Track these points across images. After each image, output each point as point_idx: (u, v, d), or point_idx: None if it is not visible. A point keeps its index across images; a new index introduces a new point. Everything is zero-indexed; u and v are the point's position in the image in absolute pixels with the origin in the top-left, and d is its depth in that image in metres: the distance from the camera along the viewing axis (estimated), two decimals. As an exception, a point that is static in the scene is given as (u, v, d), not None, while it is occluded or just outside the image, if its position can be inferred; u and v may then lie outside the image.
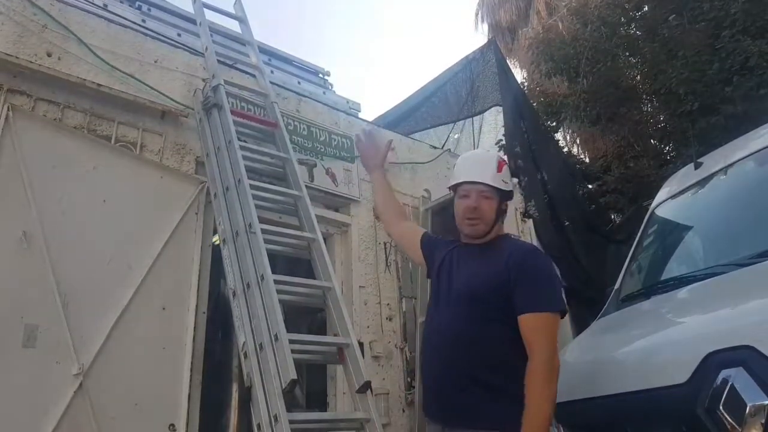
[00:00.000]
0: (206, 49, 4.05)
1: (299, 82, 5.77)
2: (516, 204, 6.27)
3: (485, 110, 6.72)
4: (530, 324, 1.96)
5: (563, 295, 2.11)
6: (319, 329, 4.57)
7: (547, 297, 2.01)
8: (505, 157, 2.75)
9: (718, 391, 1.67)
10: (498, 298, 2.02)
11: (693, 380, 1.75)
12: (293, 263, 3.88)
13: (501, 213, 2.23)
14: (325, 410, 4.29)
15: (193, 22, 4.50)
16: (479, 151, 2.36)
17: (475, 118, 6.97)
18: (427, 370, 2.23)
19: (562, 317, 2.03)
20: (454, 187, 2.27)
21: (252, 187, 3.29)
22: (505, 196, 2.24)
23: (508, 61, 8.08)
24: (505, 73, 6.68)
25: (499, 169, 2.21)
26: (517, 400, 1.89)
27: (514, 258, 2.08)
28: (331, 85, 6.32)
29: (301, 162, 4.19)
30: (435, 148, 6.10)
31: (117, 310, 3.22)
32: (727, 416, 1.63)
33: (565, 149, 9.37)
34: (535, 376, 1.89)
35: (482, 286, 2.07)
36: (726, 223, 2.95)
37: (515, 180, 6.23)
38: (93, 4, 4.25)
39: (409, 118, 7.06)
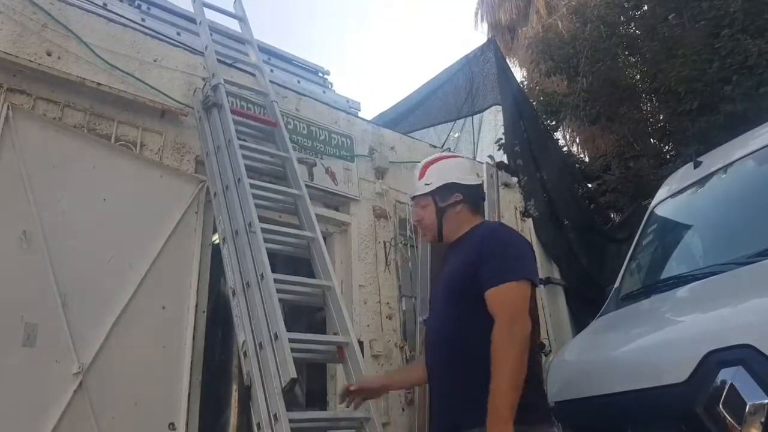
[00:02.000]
0: (206, 48, 4.04)
1: (299, 81, 5.76)
2: (516, 203, 6.27)
3: (484, 109, 6.72)
4: (491, 298, 1.92)
5: (532, 264, 2.06)
6: (319, 328, 4.56)
7: (510, 268, 1.95)
8: (458, 156, 2.54)
9: (718, 390, 1.67)
10: (469, 287, 2.00)
11: (692, 379, 1.75)
12: (293, 262, 3.88)
13: (443, 210, 2.22)
14: (325, 409, 4.29)
15: (192, 21, 4.49)
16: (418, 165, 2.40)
17: (474, 117, 6.97)
18: (430, 376, 2.20)
19: (535, 286, 1.98)
20: None
21: (252, 186, 3.29)
22: (442, 192, 2.22)
23: (507, 61, 8.10)
24: (505, 72, 6.69)
25: (421, 175, 2.28)
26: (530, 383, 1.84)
27: (479, 238, 2.10)
28: (331, 84, 6.32)
29: (300, 161, 4.19)
30: (435, 147, 6.09)
31: (117, 309, 3.22)
32: (726, 415, 1.63)
33: (565, 148, 9.39)
34: (495, 343, 1.84)
35: (458, 281, 2.06)
36: (725, 222, 2.96)
37: (515, 179, 6.24)
38: (92, 3, 4.24)
39: (408, 116, 7.06)
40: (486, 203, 5.12)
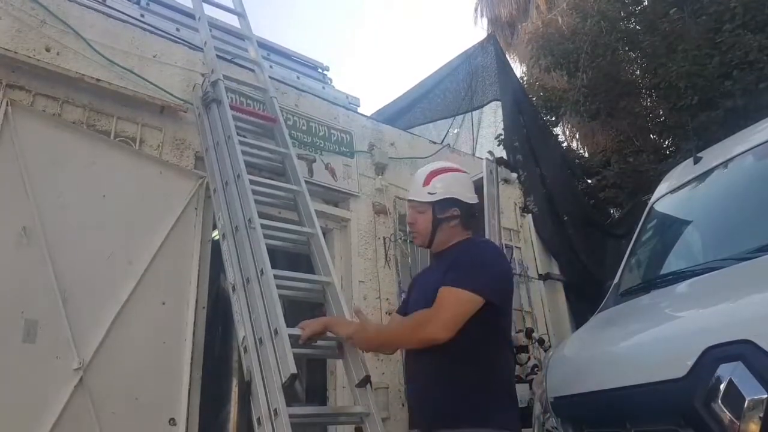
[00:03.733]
0: (205, 43, 4.03)
1: (298, 77, 5.75)
2: (515, 199, 6.28)
3: (484, 105, 6.72)
4: (442, 294, 2.03)
5: (496, 283, 2.11)
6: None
7: (470, 277, 2.03)
8: (443, 164, 2.56)
9: (717, 386, 1.67)
10: None
11: (691, 374, 1.76)
12: (293, 258, 3.88)
13: (440, 221, 2.27)
14: (325, 404, 4.30)
15: (191, 16, 4.48)
16: (422, 168, 2.44)
17: (474, 113, 6.97)
18: (406, 379, 2.35)
19: (488, 302, 2.02)
20: None
21: (251, 182, 3.28)
22: (442, 204, 2.28)
23: (507, 56, 8.09)
24: (505, 68, 6.68)
25: (426, 182, 2.31)
26: (496, 394, 2.01)
27: (457, 251, 2.21)
28: (330, 80, 6.30)
29: (300, 157, 4.18)
30: (435, 143, 6.09)
31: (117, 305, 3.23)
32: (725, 410, 1.64)
33: (565, 144, 9.39)
34: (411, 320, 2.08)
35: (433, 293, 2.10)
36: (725, 217, 2.95)
37: (514, 175, 6.25)
38: (91, -2, 4.23)
39: (408, 112, 7.06)
40: (486, 199, 5.14)
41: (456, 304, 2.00)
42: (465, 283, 2.01)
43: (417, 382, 2.19)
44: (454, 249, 2.26)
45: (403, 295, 4.80)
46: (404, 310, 2.45)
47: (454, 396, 2.02)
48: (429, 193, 2.30)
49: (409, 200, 2.37)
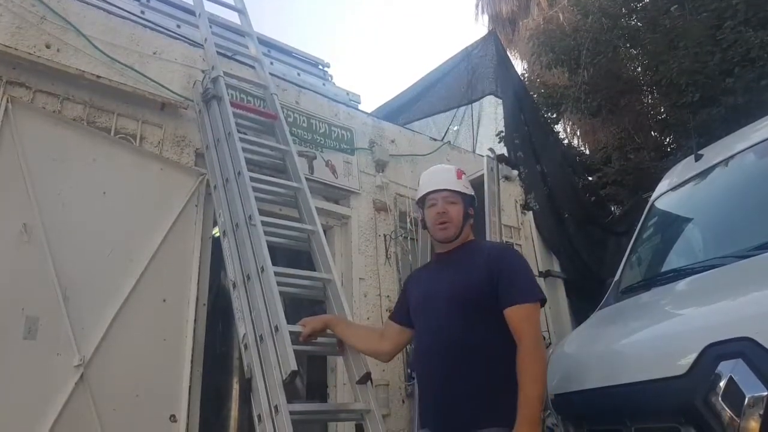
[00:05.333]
0: (206, 40, 4.03)
1: (299, 74, 5.74)
2: (516, 196, 6.27)
3: (483, 97, 6.71)
4: (517, 315, 2.09)
5: (539, 288, 2.25)
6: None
7: (529, 289, 2.16)
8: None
9: (717, 383, 1.67)
10: (481, 296, 2.14)
11: (692, 372, 1.76)
12: (293, 255, 3.88)
13: (467, 217, 2.38)
14: (326, 401, 4.31)
15: (192, 13, 4.47)
16: (439, 165, 2.62)
17: (474, 110, 6.96)
18: (424, 382, 2.30)
19: (542, 306, 2.20)
20: (422, 200, 2.43)
21: (252, 179, 3.28)
22: (469, 201, 2.40)
23: (508, 53, 8.06)
24: (506, 65, 6.67)
25: (458, 176, 2.42)
26: (511, 390, 1.99)
27: (492, 256, 2.24)
28: (331, 76, 6.30)
29: (300, 154, 4.19)
30: (435, 140, 6.09)
31: (117, 302, 3.23)
32: (726, 407, 1.64)
33: (566, 141, 9.37)
34: (525, 361, 2.02)
35: (465, 289, 2.18)
36: (726, 215, 2.95)
37: (515, 172, 6.24)
38: (91, -5, 4.22)
39: (408, 109, 7.05)
40: (486, 196, 5.14)
41: (537, 320, 2.13)
42: (529, 296, 2.13)
43: (449, 383, 2.13)
44: (469, 248, 2.33)
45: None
46: (403, 309, 2.45)
47: (492, 396, 2.04)
48: (465, 186, 2.40)
49: (443, 189, 2.36)
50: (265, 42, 5.42)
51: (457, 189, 2.36)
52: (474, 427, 2.01)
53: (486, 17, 13.68)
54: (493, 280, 2.14)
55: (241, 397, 4.65)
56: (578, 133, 10.48)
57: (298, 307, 4.65)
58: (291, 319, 2.71)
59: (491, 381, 2.06)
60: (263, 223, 3.08)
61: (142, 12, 4.61)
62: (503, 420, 1.97)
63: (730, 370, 1.66)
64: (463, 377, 2.08)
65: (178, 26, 4.74)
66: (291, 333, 2.60)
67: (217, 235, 3.61)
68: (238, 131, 3.55)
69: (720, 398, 1.66)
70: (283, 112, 4.09)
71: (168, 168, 3.72)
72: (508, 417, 1.96)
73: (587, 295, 5.33)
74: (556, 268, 6.27)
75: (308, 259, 3.42)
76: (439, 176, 2.43)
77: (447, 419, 2.10)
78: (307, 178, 3.76)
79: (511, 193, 6.21)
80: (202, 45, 4.08)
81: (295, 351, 2.56)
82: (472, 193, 2.43)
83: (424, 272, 2.58)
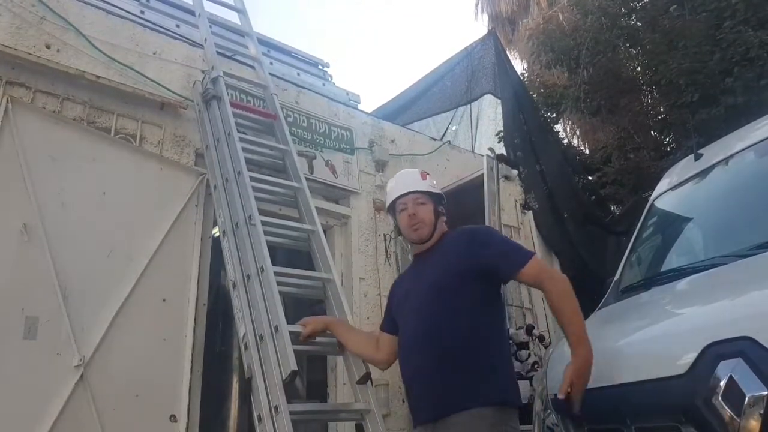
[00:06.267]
0: (205, 40, 4.03)
1: (299, 74, 5.74)
2: (516, 196, 6.27)
3: (482, 95, 6.72)
4: (528, 273, 2.18)
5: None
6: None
7: (519, 249, 2.27)
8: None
9: (717, 383, 1.67)
10: (463, 279, 2.19)
11: (692, 371, 1.75)
12: (293, 255, 3.88)
13: (439, 214, 2.42)
14: (326, 401, 4.31)
15: (191, 13, 4.47)
16: (403, 170, 2.67)
17: (473, 110, 6.97)
18: (409, 375, 2.29)
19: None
20: (392, 207, 2.46)
21: (252, 179, 3.28)
22: (437, 199, 2.44)
23: (507, 53, 8.07)
24: (505, 65, 6.67)
25: (423, 177, 2.46)
26: (496, 370, 2.12)
27: (463, 238, 2.31)
28: (331, 76, 6.30)
29: (300, 154, 4.19)
30: (434, 139, 6.09)
31: (117, 301, 3.23)
32: (726, 407, 1.63)
33: (565, 141, 9.37)
34: (559, 293, 2.16)
35: (443, 276, 2.22)
36: (726, 214, 2.95)
37: (515, 172, 6.24)
38: (91, -5, 4.22)
39: (408, 109, 7.05)
40: (486, 195, 5.14)
41: (546, 265, 2.29)
42: (525, 254, 2.21)
43: (434, 369, 2.15)
44: (443, 242, 2.36)
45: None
46: (390, 317, 2.43)
47: (477, 377, 2.08)
48: (430, 185, 2.43)
49: (410, 192, 2.39)
50: (264, 42, 5.42)
51: (424, 189, 2.39)
52: (461, 408, 2.03)
53: (486, 17, 13.70)
54: (478, 260, 2.19)
55: (241, 397, 4.65)
56: (578, 133, 10.48)
57: (298, 307, 4.66)
58: (291, 319, 2.71)
59: (476, 362, 2.10)
60: (263, 223, 3.08)
61: (142, 12, 4.62)
62: (489, 399, 2.04)
63: (730, 369, 1.65)
64: (447, 361, 2.10)
65: (178, 26, 4.74)
66: (291, 333, 2.60)
67: (217, 234, 3.61)
68: (238, 131, 3.55)
69: (720, 398, 1.65)
70: (282, 111, 4.09)
71: (168, 168, 3.72)
72: (494, 397, 2.05)
73: (587, 295, 5.31)
74: (556, 267, 6.27)
75: (308, 259, 3.42)
76: (405, 180, 2.47)
77: (436, 404, 2.11)
78: (306, 178, 3.76)
79: (511, 192, 6.21)
80: (202, 45, 4.08)
81: (295, 351, 2.56)
82: (440, 192, 2.46)
83: (405, 275, 2.62)
